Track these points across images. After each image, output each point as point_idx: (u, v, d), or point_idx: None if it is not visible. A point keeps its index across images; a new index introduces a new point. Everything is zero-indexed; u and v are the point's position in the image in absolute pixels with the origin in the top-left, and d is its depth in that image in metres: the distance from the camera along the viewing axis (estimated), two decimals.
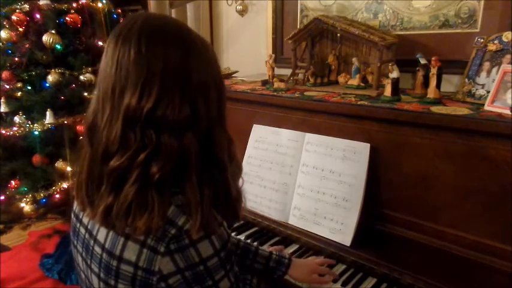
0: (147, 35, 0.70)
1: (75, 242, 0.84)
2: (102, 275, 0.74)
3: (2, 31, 2.25)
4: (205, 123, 0.74)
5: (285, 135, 1.51)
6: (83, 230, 0.81)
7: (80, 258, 0.83)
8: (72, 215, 0.87)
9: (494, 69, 1.27)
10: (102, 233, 0.74)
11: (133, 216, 0.68)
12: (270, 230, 1.49)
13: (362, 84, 1.55)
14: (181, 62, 0.72)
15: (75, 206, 0.86)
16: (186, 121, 0.71)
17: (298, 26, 1.98)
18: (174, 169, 0.70)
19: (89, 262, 0.78)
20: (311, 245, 1.36)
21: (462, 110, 1.17)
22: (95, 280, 0.77)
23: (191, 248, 0.70)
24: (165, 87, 0.70)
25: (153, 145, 0.69)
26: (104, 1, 2.47)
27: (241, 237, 1.46)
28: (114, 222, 0.69)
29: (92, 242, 0.77)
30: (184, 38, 0.74)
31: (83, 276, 0.84)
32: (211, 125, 0.76)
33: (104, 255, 0.73)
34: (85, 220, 0.80)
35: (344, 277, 1.21)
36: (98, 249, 0.75)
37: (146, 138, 0.69)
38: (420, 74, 1.36)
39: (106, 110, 0.71)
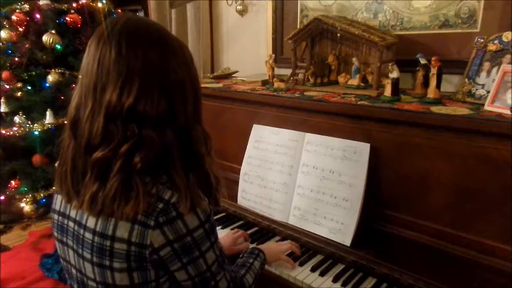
0: (127, 36, 0.76)
1: (65, 239, 0.86)
2: (95, 258, 0.77)
3: (2, 31, 2.25)
4: (183, 119, 0.80)
5: (285, 135, 1.51)
6: (71, 224, 0.84)
7: (71, 253, 0.85)
8: (56, 215, 0.89)
9: (494, 69, 1.27)
10: (91, 220, 0.78)
11: (118, 202, 0.72)
12: (270, 230, 1.49)
13: (362, 84, 1.55)
14: (159, 62, 0.77)
15: (59, 205, 0.88)
16: (165, 117, 0.77)
17: (298, 26, 1.98)
18: (157, 161, 0.76)
19: (80, 252, 0.80)
20: (311, 245, 1.36)
21: (462, 110, 1.17)
22: (88, 268, 0.79)
23: (179, 220, 0.76)
24: (145, 85, 0.75)
25: (135, 138, 0.74)
26: (104, 1, 2.47)
27: None
28: (101, 209, 0.74)
29: (81, 231, 0.80)
30: (163, 39, 0.80)
31: (74, 271, 0.86)
32: (189, 121, 0.81)
33: (96, 238, 0.76)
34: (72, 213, 0.83)
35: (344, 277, 1.21)
36: (88, 235, 0.78)
37: (128, 131, 0.74)
38: (420, 74, 1.36)
39: (88, 104, 0.76)
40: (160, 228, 0.74)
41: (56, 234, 0.89)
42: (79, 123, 0.77)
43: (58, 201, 0.88)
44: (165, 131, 0.77)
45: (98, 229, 0.76)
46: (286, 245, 1.32)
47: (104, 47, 0.75)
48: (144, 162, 0.73)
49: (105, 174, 0.74)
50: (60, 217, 0.87)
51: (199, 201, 0.78)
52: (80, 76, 0.80)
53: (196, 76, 0.86)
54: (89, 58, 0.77)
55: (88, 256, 0.78)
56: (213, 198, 0.86)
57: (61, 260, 0.91)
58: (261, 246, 1.23)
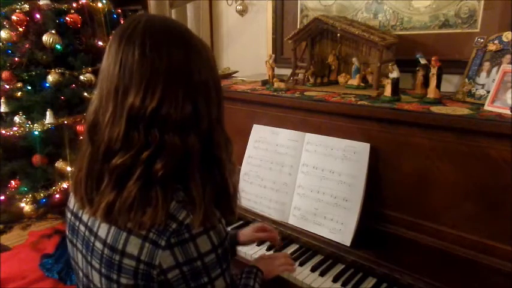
0: (150, 36, 0.72)
1: (75, 241, 0.85)
2: (103, 270, 0.75)
3: (2, 31, 2.25)
4: (206, 123, 0.76)
5: (285, 135, 1.51)
6: (82, 228, 0.82)
7: (79, 256, 0.83)
8: (69, 214, 0.87)
9: (494, 69, 1.27)
10: (103, 229, 0.75)
11: (135, 211, 0.69)
12: None
13: (362, 84, 1.55)
14: (184, 63, 0.73)
15: (73, 205, 0.86)
16: (189, 120, 0.73)
17: (298, 26, 1.98)
18: (177, 167, 0.72)
19: (89, 259, 0.79)
20: (311, 245, 1.36)
21: (462, 110, 1.17)
22: (96, 276, 0.77)
23: (190, 243, 0.72)
24: (169, 87, 0.72)
25: (156, 143, 0.71)
26: (104, 1, 2.47)
27: None
28: (117, 218, 0.71)
29: (92, 239, 0.77)
30: (186, 39, 0.76)
31: (81, 274, 0.84)
32: (212, 125, 0.78)
33: (106, 250, 0.74)
34: (85, 218, 0.81)
35: (344, 277, 1.21)
36: (99, 245, 0.76)
37: (150, 136, 0.71)
38: (420, 74, 1.37)
39: (108, 109, 0.72)
40: (170, 249, 0.71)
41: (67, 233, 0.88)
42: (98, 128, 0.74)
43: (73, 200, 0.86)
44: (188, 136, 0.73)
45: (108, 241, 0.74)
46: (280, 260, 1.20)
47: (126, 48, 0.71)
48: (166, 169, 0.70)
49: (124, 182, 0.70)
50: (72, 217, 0.86)
51: (214, 224, 0.75)
52: (100, 79, 0.76)
53: (218, 77, 0.82)
54: (109, 61, 0.73)
55: (97, 266, 0.76)
56: (228, 207, 0.82)
57: (70, 259, 0.90)
58: (258, 263, 1.16)
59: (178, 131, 0.72)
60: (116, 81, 0.71)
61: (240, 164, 1.61)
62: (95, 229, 0.77)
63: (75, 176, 0.80)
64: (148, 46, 0.71)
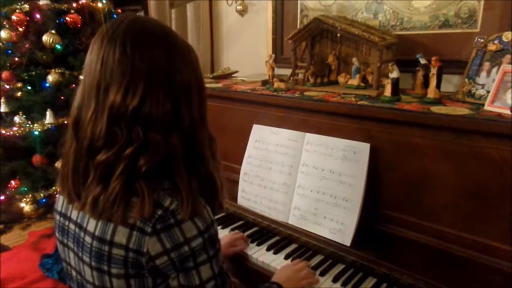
0: (132, 36, 0.74)
1: (65, 241, 0.86)
2: (93, 263, 0.76)
3: (2, 31, 2.25)
4: (188, 123, 0.78)
5: (285, 135, 1.51)
6: (72, 226, 0.83)
7: (71, 255, 0.85)
8: (57, 216, 0.88)
9: (494, 69, 1.27)
10: (92, 223, 0.77)
11: (118, 206, 0.71)
12: (270, 230, 1.49)
13: (362, 84, 1.55)
14: (165, 63, 0.75)
15: (60, 206, 0.88)
16: (169, 119, 0.75)
17: (298, 26, 1.98)
18: (161, 164, 0.74)
19: (80, 255, 0.80)
20: (311, 244, 1.36)
21: (462, 110, 1.17)
22: (87, 271, 0.79)
23: (176, 228, 0.73)
24: (150, 87, 0.73)
25: (140, 140, 0.72)
26: (104, 1, 2.47)
27: None
28: (102, 212, 0.72)
29: (82, 234, 0.79)
30: (169, 40, 0.78)
31: (74, 273, 0.85)
32: (194, 125, 0.80)
33: (95, 242, 0.75)
34: (74, 215, 0.83)
35: (344, 277, 1.21)
36: (88, 239, 0.77)
37: (133, 134, 0.72)
38: (420, 74, 1.37)
39: (91, 105, 0.74)
40: (157, 235, 0.72)
41: (57, 235, 0.89)
42: (81, 124, 0.76)
43: (60, 202, 0.88)
44: (170, 134, 0.75)
45: (96, 233, 0.75)
46: (303, 272, 1.19)
47: (108, 46, 0.73)
48: (149, 165, 0.72)
49: (108, 177, 0.72)
50: (61, 218, 0.87)
51: (200, 210, 0.76)
52: (83, 76, 0.78)
53: (202, 78, 0.84)
54: (92, 57, 0.75)
55: (87, 260, 0.77)
56: (217, 202, 0.84)
57: (62, 261, 0.91)
58: (279, 278, 1.13)
59: (160, 129, 0.74)
60: (98, 78, 0.73)
61: (240, 164, 1.61)
62: (84, 225, 0.79)
63: (62, 171, 0.82)
64: (129, 46, 0.73)
